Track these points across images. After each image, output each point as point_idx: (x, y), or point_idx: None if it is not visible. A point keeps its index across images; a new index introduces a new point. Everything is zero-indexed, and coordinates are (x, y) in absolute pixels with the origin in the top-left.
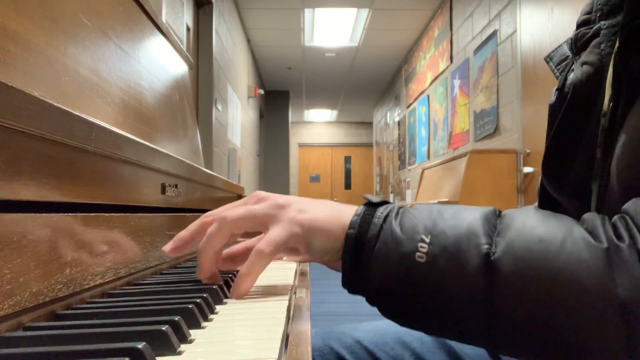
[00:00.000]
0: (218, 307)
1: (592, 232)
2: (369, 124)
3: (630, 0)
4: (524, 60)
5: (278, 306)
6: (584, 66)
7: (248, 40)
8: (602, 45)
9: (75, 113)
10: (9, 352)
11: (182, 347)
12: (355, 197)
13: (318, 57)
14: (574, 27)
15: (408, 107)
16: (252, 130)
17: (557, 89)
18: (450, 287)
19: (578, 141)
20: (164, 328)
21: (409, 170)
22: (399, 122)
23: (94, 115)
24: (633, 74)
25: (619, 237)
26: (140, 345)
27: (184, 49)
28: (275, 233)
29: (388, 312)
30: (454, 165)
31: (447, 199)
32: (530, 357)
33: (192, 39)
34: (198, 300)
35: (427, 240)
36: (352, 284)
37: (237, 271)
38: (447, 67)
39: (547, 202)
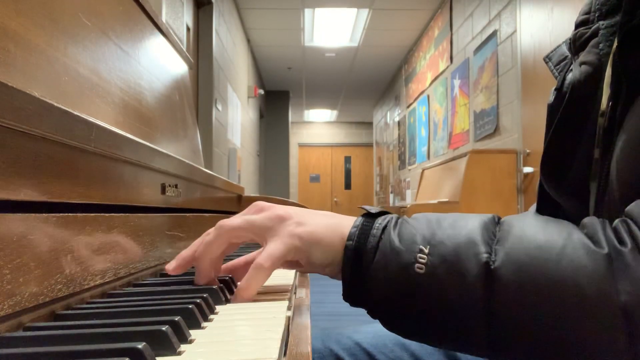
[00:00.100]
0: (218, 307)
1: (592, 238)
2: (369, 124)
3: (629, 0)
4: (524, 60)
5: (278, 306)
6: (583, 66)
7: (248, 40)
8: (601, 45)
9: (75, 113)
10: (9, 352)
11: (182, 347)
12: (355, 197)
13: (318, 57)
14: (573, 27)
15: (408, 107)
16: (252, 130)
17: (555, 89)
18: (450, 297)
19: (577, 141)
20: (164, 328)
21: (409, 170)
22: (399, 122)
23: (94, 115)
24: (632, 73)
25: (620, 241)
26: (140, 346)
27: (184, 49)
28: (274, 247)
29: (389, 323)
30: (454, 165)
31: (447, 199)
32: None
33: (192, 39)
34: (198, 301)
35: (426, 250)
36: (353, 297)
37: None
38: (447, 67)
39: (546, 203)
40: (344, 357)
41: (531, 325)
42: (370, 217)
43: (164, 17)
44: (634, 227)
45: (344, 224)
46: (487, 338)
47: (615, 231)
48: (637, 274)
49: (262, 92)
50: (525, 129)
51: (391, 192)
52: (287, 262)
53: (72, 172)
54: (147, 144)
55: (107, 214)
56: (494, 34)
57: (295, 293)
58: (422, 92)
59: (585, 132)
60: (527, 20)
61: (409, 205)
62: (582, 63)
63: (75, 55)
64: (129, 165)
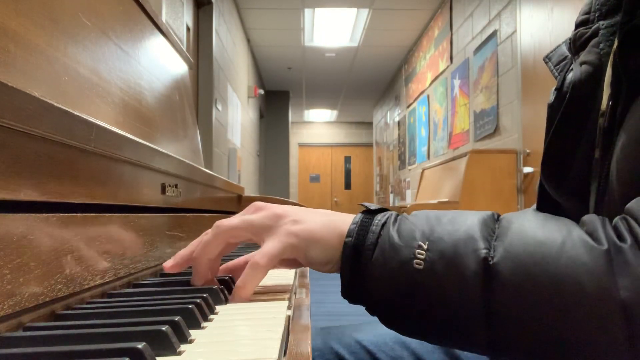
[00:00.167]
0: (218, 307)
1: (592, 234)
2: (369, 124)
3: (629, 0)
4: (524, 60)
5: (278, 306)
6: (583, 66)
7: (248, 40)
8: (601, 45)
9: (75, 113)
10: (9, 352)
11: (182, 347)
12: (355, 197)
13: (318, 57)
14: (574, 27)
15: (408, 107)
16: (252, 130)
17: (555, 89)
18: (449, 293)
19: (577, 141)
20: (164, 328)
21: (409, 170)
22: (399, 122)
23: (94, 115)
24: (632, 73)
25: (620, 238)
26: (140, 345)
27: (184, 49)
28: (271, 245)
29: (388, 321)
30: (454, 165)
31: (447, 199)
32: None
33: (192, 39)
34: (198, 301)
35: (425, 246)
36: (351, 294)
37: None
38: (447, 67)
39: (546, 203)
40: (345, 355)
41: (530, 321)
42: (369, 214)
43: (164, 17)
44: (633, 224)
45: (342, 221)
46: (486, 334)
47: (615, 228)
48: (637, 270)
49: (262, 92)
50: (525, 129)
51: (391, 192)
52: (286, 261)
53: (72, 172)
54: (147, 144)
55: (107, 214)
56: (494, 34)
57: (295, 293)
58: (422, 92)
59: (586, 132)
60: (527, 20)
61: (409, 205)
62: (582, 63)
63: (75, 55)
64: (129, 165)
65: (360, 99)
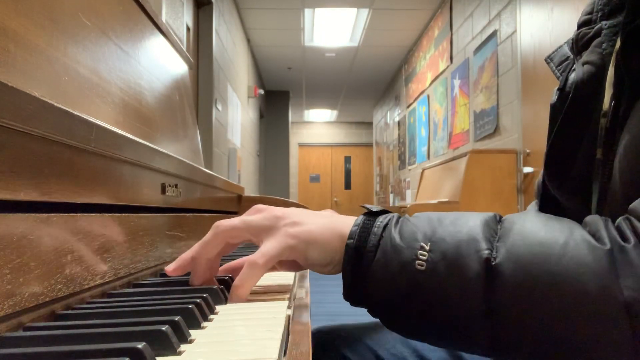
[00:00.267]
0: (218, 307)
1: (594, 235)
2: (369, 124)
3: (632, 1)
4: (524, 60)
5: (278, 306)
6: (586, 65)
7: (248, 40)
8: (604, 45)
9: (75, 113)
10: (9, 352)
11: (182, 347)
12: (355, 197)
13: (318, 57)
14: (574, 27)
15: (408, 107)
16: (252, 130)
17: (558, 89)
18: (451, 294)
19: (579, 141)
20: (164, 328)
21: (409, 170)
22: (399, 122)
23: (94, 115)
24: (635, 73)
25: (623, 238)
26: (140, 345)
27: (184, 49)
28: (269, 246)
29: (390, 322)
30: (454, 165)
31: (447, 199)
32: None
33: (192, 39)
34: (198, 301)
35: (427, 247)
36: (353, 296)
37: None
38: (447, 67)
39: (548, 202)
40: (346, 352)
41: (532, 321)
42: (371, 215)
43: (164, 17)
44: (637, 224)
45: (343, 223)
46: (488, 335)
47: (618, 228)
48: None
49: (262, 92)
50: (525, 129)
51: (391, 192)
52: (286, 263)
53: (72, 172)
54: (147, 144)
55: (107, 214)
56: (494, 34)
57: (295, 293)
58: (422, 92)
59: (588, 132)
60: (527, 20)
61: (409, 205)
62: (585, 63)
63: (75, 55)
64: (129, 165)
65: (360, 99)
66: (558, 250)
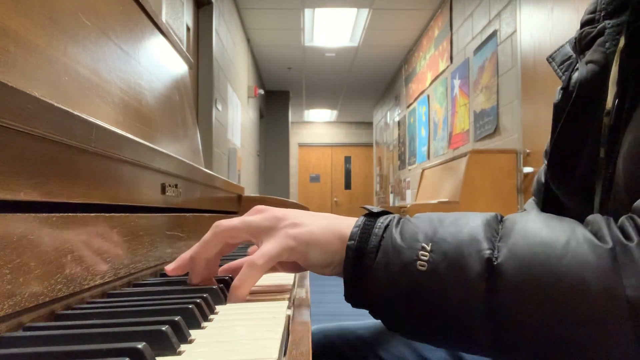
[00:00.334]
0: (218, 307)
1: (596, 234)
2: (369, 124)
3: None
4: (524, 60)
5: (278, 306)
6: (589, 65)
7: (248, 40)
8: (607, 44)
9: (75, 113)
10: (9, 352)
11: (182, 347)
12: (355, 197)
13: (318, 57)
14: (574, 27)
15: (408, 107)
16: (252, 130)
17: (561, 88)
18: (453, 294)
19: (583, 140)
20: (164, 328)
21: (409, 170)
22: (399, 122)
23: (94, 115)
24: (639, 72)
25: (627, 236)
26: (140, 345)
27: (184, 49)
28: (269, 246)
29: (392, 324)
30: (454, 165)
31: (447, 199)
32: None
33: (192, 39)
34: (198, 301)
35: (428, 248)
36: (354, 297)
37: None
38: (447, 67)
39: (551, 201)
40: (346, 351)
41: (535, 321)
42: (372, 216)
43: (164, 17)
44: None
45: (344, 224)
46: (490, 336)
47: (622, 227)
48: None
49: (262, 92)
50: (525, 129)
51: (391, 192)
52: (286, 264)
53: (72, 172)
54: (147, 144)
55: (107, 214)
56: (494, 34)
57: (295, 293)
58: (422, 92)
59: (591, 131)
60: (527, 20)
61: (409, 205)
62: (588, 62)
63: (75, 55)
64: (129, 165)
65: (360, 99)
66: (560, 249)
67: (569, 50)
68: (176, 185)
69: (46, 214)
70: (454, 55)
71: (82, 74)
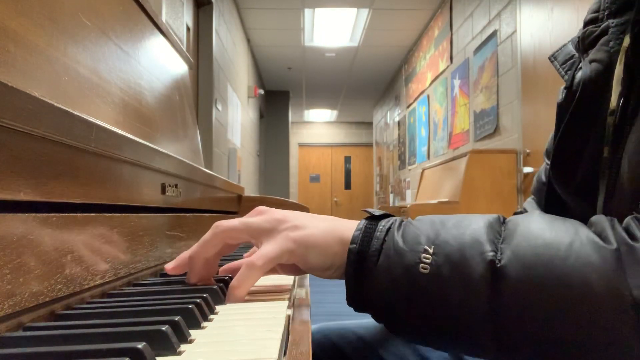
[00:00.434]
0: (218, 307)
1: (600, 234)
2: (369, 124)
3: None
4: (524, 60)
5: (278, 306)
6: (593, 64)
7: (248, 40)
8: (611, 43)
9: (75, 113)
10: (9, 352)
11: (182, 347)
12: (355, 197)
13: (318, 57)
14: (574, 27)
15: (408, 107)
16: (252, 130)
17: (565, 88)
18: (456, 297)
19: (587, 139)
20: (164, 328)
21: (409, 170)
22: (399, 122)
23: (94, 115)
24: None
25: (632, 237)
26: (140, 345)
27: (184, 49)
28: (268, 248)
29: (395, 327)
30: (454, 165)
31: (447, 199)
32: None
33: (192, 39)
34: (198, 301)
35: (431, 250)
36: (356, 301)
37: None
38: (447, 67)
39: (553, 201)
40: (347, 350)
41: (538, 323)
42: (373, 219)
43: (164, 17)
44: None
45: (345, 227)
46: (493, 338)
47: (627, 227)
48: None
49: (262, 92)
50: (525, 129)
51: (391, 192)
52: (286, 267)
53: (72, 172)
54: (147, 144)
55: (107, 214)
56: (494, 34)
57: (295, 293)
58: (422, 92)
59: (595, 130)
60: (527, 20)
61: (409, 205)
62: (592, 61)
63: (75, 55)
64: (129, 165)
65: (360, 99)
66: (563, 251)
67: (571, 49)
68: (176, 185)
69: (46, 214)
70: (454, 55)
71: (82, 74)
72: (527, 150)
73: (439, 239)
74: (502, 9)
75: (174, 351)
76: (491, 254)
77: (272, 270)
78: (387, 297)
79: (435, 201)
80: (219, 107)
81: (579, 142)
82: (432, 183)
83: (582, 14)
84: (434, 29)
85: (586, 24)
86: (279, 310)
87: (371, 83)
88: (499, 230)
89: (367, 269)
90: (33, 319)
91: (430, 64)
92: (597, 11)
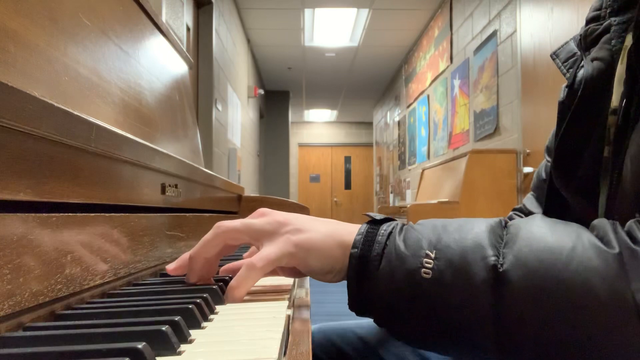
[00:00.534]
0: (218, 307)
1: (602, 239)
2: (369, 124)
3: None
4: (524, 60)
5: (278, 306)
6: (595, 62)
7: (248, 40)
8: (613, 42)
9: (76, 113)
10: (9, 352)
11: (182, 347)
12: (355, 197)
13: (318, 57)
14: (574, 27)
15: (408, 107)
16: (252, 130)
17: (566, 86)
18: (458, 302)
19: (588, 138)
20: (164, 328)
21: (409, 170)
22: (399, 122)
23: (94, 115)
24: None
25: (635, 241)
26: (140, 345)
27: (184, 49)
28: (269, 250)
29: (397, 332)
30: (454, 165)
31: (447, 199)
32: None
33: (192, 39)
34: (198, 301)
35: (432, 255)
36: (358, 305)
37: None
38: (447, 67)
39: (555, 201)
40: (347, 350)
41: (541, 328)
42: (374, 224)
43: (164, 17)
44: None
45: (346, 231)
46: (495, 342)
47: (629, 231)
48: None
49: (262, 92)
50: (525, 129)
51: (391, 192)
52: (286, 269)
53: (72, 172)
54: (147, 144)
55: (107, 214)
56: (494, 34)
57: (295, 293)
58: (422, 92)
59: (596, 129)
60: (527, 20)
61: (409, 205)
62: (594, 59)
63: (75, 55)
64: (129, 165)
65: (360, 99)
66: (566, 255)
67: (573, 47)
68: (176, 185)
69: (46, 214)
70: (454, 55)
71: (82, 74)
72: (527, 150)
73: (441, 243)
74: (502, 9)
75: (174, 351)
76: (493, 258)
77: (273, 272)
78: (388, 301)
79: (435, 201)
80: (219, 107)
81: (580, 140)
82: (432, 183)
83: (582, 14)
84: (434, 29)
85: (588, 21)
86: (279, 310)
87: (371, 83)
88: (500, 234)
89: (368, 274)
90: (33, 319)
91: (430, 64)
92: (599, 9)
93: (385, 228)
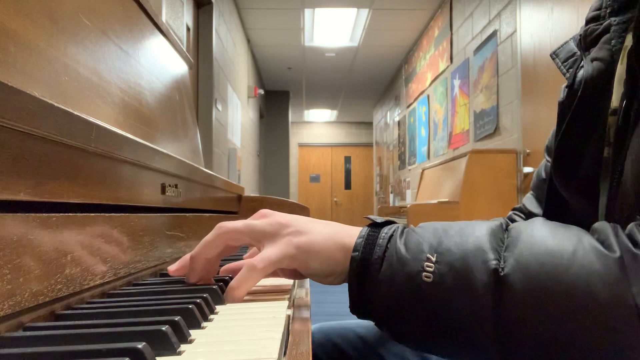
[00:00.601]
0: (218, 307)
1: (603, 242)
2: (369, 124)
3: None
4: (524, 60)
5: (278, 306)
6: (595, 62)
7: (248, 40)
8: (613, 42)
9: (76, 113)
10: (9, 352)
11: (182, 347)
12: (355, 197)
13: (318, 57)
14: (574, 27)
15: (408, 107)
16: (252, 130)
17: (566, 86)
18: (459, 306)
19: (587, 138)
20: (164, 328)
21: (409, 170)
22: (399, 122)
23: (94, 115)
24: None
25: (636, 244)
26: (140, 345)
27: (184, 49)
28: (270, 251)
29: (398, 335)
30: (454, 165)
31: (447, 199)
32: None
33: (192, 39)
34: (198, 301)
35: (433, 259)
36: (360, 309)
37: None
38: (447, 67)
39: (555, 201)
40: (347, 350)
41: (542, 331)
42: (375, 227)
43: (164, 17)
44: None
45: (347, 234)
46: (496, 346)
47: (630, 234)
48: None
49: (262, 92)
50: (525, 129)
51: (391, 192)
52: (286, 271)
53: (72, 172)
54: (147, 144)
55: (107, 214)
56: (494, 34)
57: (295, 293)
58: (422, 92)
59: (596, 130)
60: (527, 20)
61: (409, 205)
62: (593, 59)
63: (75, 55)
64: (129, 165)
65: (360, 99)
66: (567, 259)
67: (573, 47)
68: (176, 185)
69: (46, 214)
70: (454, 55)
71: (82, 74)
72: (527, 150)
73: (442, 247)
74: (502, 9)
75: (174, 351)
76: (494, 262)
77: (273, 274)
78: (389, 304)
79: (435, 201)
80: (219, 107)
81: (580, 140)
82: (432, 183)
83: (582, 13)
84: (434, 29)
85: (588, 21)
86: (279, 310)
87: (371, 83)
88: (501, 237)
89: (369, 277)
90: (33, 319)
91: (430, 64)
92: (599, 9)
93: (386, 231)
